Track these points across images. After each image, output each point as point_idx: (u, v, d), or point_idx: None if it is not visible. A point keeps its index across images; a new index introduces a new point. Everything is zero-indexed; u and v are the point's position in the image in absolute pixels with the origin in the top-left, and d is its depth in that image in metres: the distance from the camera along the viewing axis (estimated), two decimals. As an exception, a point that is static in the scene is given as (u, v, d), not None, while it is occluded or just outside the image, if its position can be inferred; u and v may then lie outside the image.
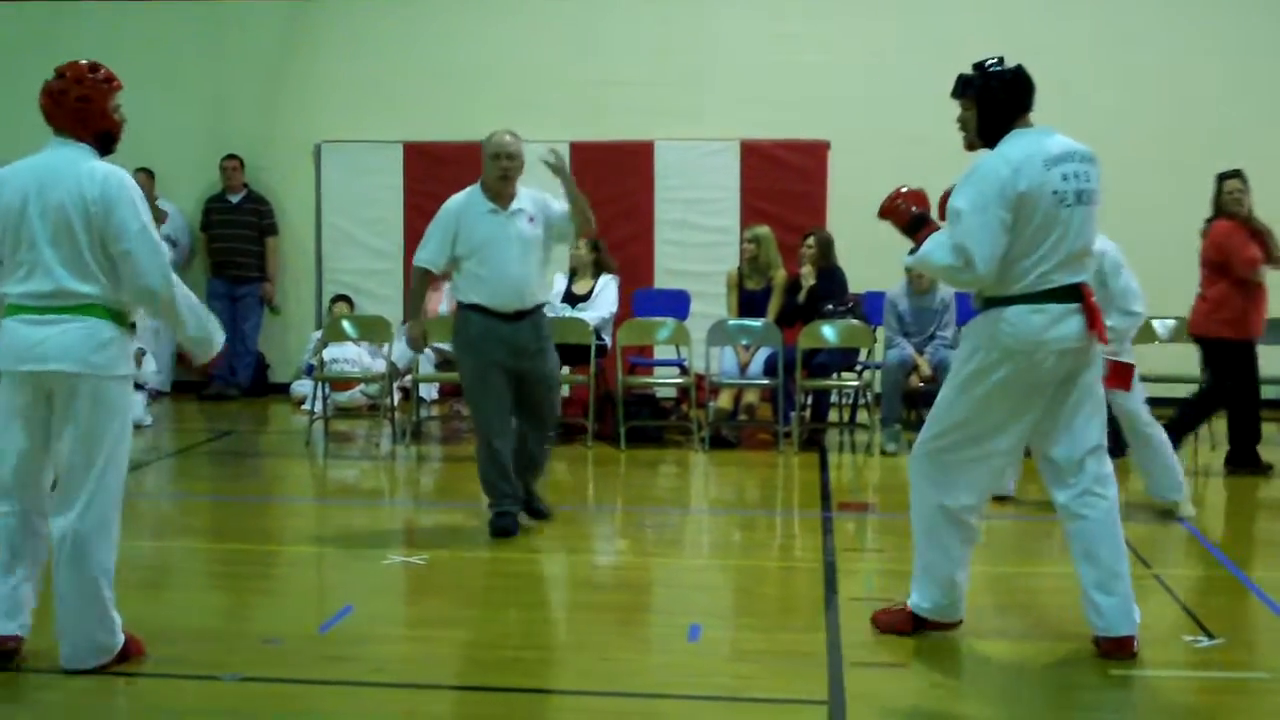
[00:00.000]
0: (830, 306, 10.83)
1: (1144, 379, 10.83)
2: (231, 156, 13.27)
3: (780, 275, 11.18)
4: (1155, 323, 11.36)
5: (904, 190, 5.80)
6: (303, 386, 12.58)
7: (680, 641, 5.84)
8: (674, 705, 5.17)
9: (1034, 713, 5.13)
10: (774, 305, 11.09)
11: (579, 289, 11.04)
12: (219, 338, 5.60)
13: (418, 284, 7.82)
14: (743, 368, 11.00)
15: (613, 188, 12.37)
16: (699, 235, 12.92)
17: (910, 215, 5.74)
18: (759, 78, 12.94)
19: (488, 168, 7.58)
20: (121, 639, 5.30)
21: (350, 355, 11.86)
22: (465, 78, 12.95)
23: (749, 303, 11.20)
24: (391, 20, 13.38)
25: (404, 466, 10.35)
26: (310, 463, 10.39)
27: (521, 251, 7.56)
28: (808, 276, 11.04)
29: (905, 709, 5.09)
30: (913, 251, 5.70)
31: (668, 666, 5.57)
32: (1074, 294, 5.46)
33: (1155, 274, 12.47)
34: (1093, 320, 5.43)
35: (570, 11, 13.23)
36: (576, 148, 12.26)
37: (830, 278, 11.08)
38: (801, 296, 11.00)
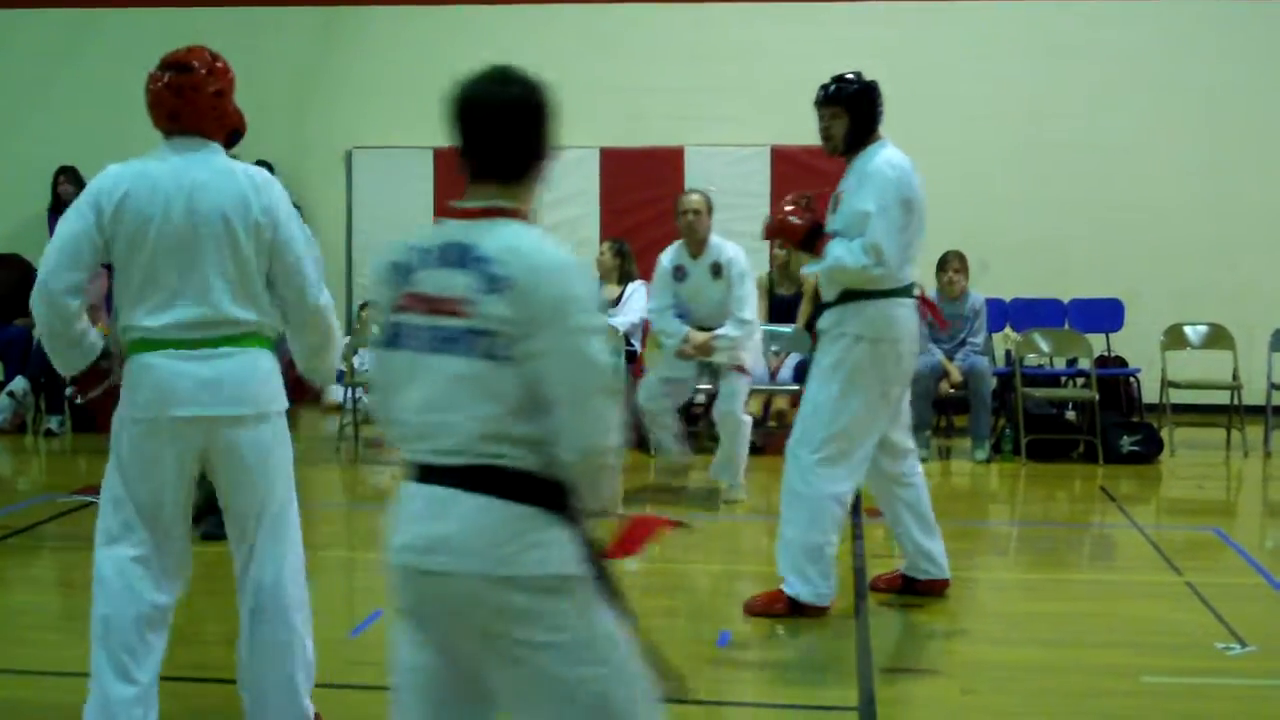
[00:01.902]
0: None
1: (1174, 385, 10.83)
2: (262, 162, 13.27)
3: (810, 281, 11.16)
4: (1187, 329, 11.33)
5: (789, 205, 6.06)
6: (333, 393, 12.62)
7: (710, 648, 5.84)
8: (704, 711, 5.16)
9: (1065, 720, 5.12)
10: (804, 311, 11.07)
11: (606, 295, 11.04)
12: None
13: None
14: (772, 373, 10.98)
15: (643, 194, 12.39)
16: (729, 240, 12.91)
17: (804, 229, 6.12)
18: (789, 84, 12.87)
19: None
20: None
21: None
22: (495, 84, 12.97)
23: (779, 308, 11.19)
24: (423, 26, 13.42)
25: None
26: (341, 467, 10.42)
27: None
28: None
29: (935, 715, 5.08)
30: (810, 259, 6.05)
31: (697, 672, 5.56)
32: (911, 291, 6.14)
33: (1185, 279, 12.52)
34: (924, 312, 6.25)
35: (601, 18, 13.25)
36: (607, 154, 12.29)
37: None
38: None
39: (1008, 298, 12.16)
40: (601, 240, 11.80)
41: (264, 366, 4.47)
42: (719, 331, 8.82)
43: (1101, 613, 5.85)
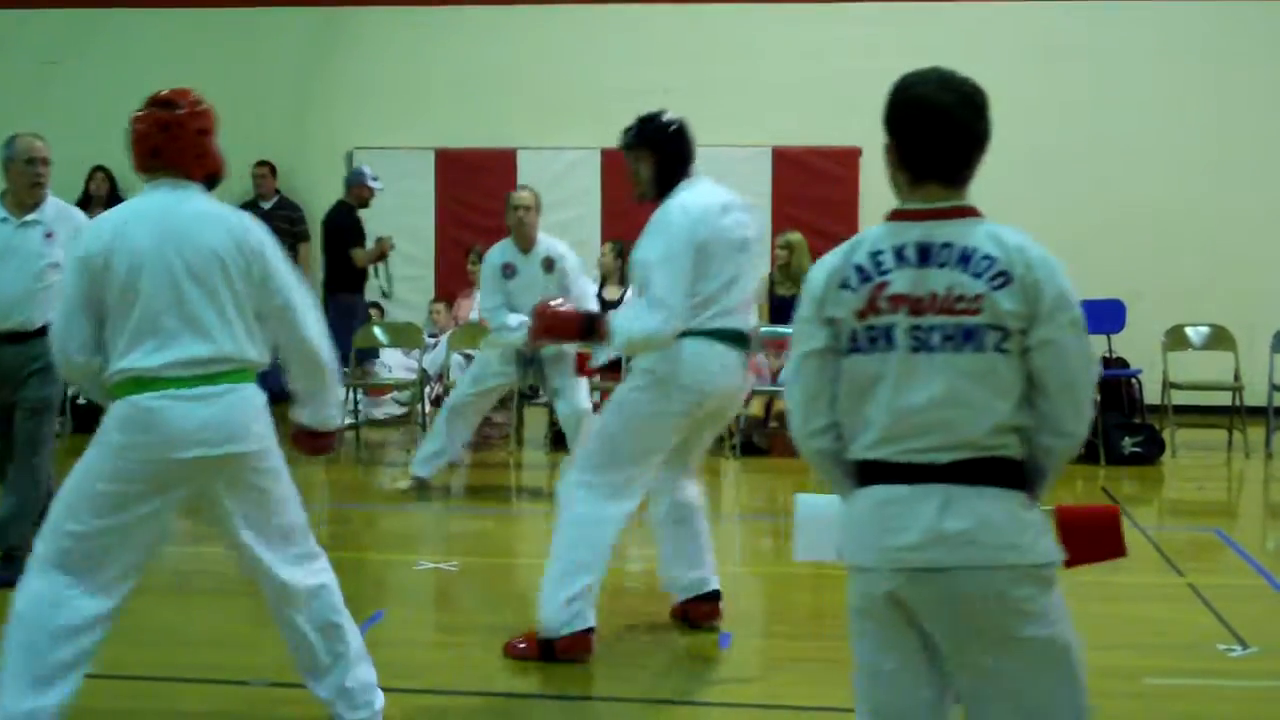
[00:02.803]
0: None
1: (1175, 386, 10.82)
2: (263, 163, 13.30)
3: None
4: (1188, 330, 11.32)
5: (550, 308, 5.73)
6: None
7: (711, 649, 5.84)
8: (705, 713, 5.17)
9: (1067, 722, 5.11)
10: (805, 312, 11.05)
11: (609, 295, 11.05)
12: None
13: None
14: (774, 375, 10.98)
15: (643, 194, 12.37)
16: (730, 242, 12.91)
17: (578, 320, 5.73)
18: (790, 84, 12.93)
19: (15, 174, 6.78)
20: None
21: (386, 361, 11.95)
22: (497, 85, 12.97)
23: (780, 309, 11.18)
24: (424, 27, 13.41)
25: (435, 472, 10.35)
26: (342, 468, 10.41)
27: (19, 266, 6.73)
28: None
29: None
30: (600, 345, 5.70)
31: (699, 674, 5.57)
32: (741, 339, 5.66)
33: (1187, 281, 12.51)
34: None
35: (601, 19, 13.24)
36: (608, 155, 12.25)
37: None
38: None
39: (1009, 299, 12.13)
40: (602, 241, 11.81)
41: (258, 401, 4.51)
42: None
43: (1103, 614, 5.84)
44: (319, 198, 13.46)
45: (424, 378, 11.40)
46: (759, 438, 10.91)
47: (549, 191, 10.06)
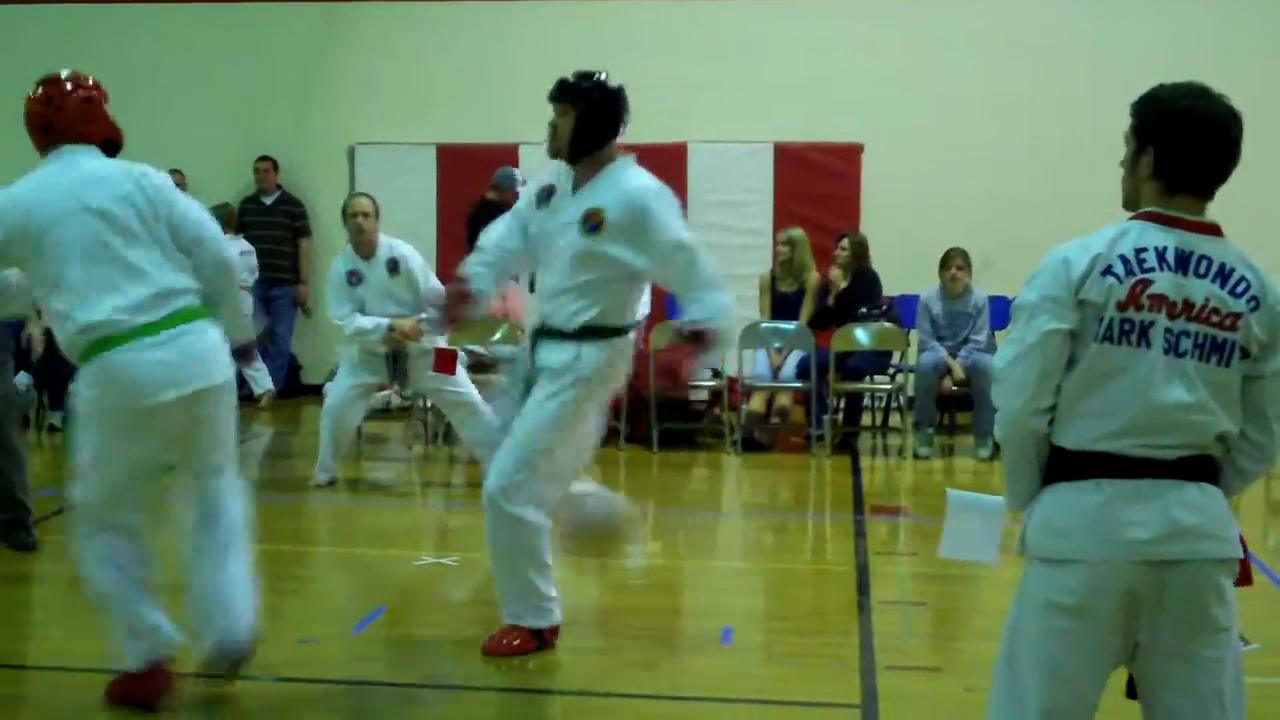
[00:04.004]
0: (863, 309, 10.82)
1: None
2: (265, 158, 13.31)
3: (813, 278, 11.17)
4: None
5: (670, 364, 5.42)
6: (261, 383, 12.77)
7: (713, 644, 5.84)
8: (706, 708, 5.17)
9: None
10: (807, 308, 11.07)
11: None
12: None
13: None
14: (775, 370, 10.99)
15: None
16: (732, 238, 12.88)
17: (692, 351, 5.37)
18: (792, 80, 12.92)
19: None
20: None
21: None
22: (499, 80, 12.96)
23: (782, 305, 11.19)
24: (426, 22, 13.40)
25: (435, 467, 10.37)
26: (342, 463, 10.41)
27: None
28: (838, 280, 11.03)
29: (938, 712, 5.08)
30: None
31: (700, 669, 5.57)
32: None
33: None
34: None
35: (603, 14, 13.22)
36: (609, 150, 12.24)
37: (864, 280, 11.07)
38: (831, 300, 10.99)
39: (1011, 295, 12.09)
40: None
41: (216, 338, 4.83)
42: (424, 315, 8.68)
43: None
44: (320, 193, 13.46)
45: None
46: (760, 434, 10.91)
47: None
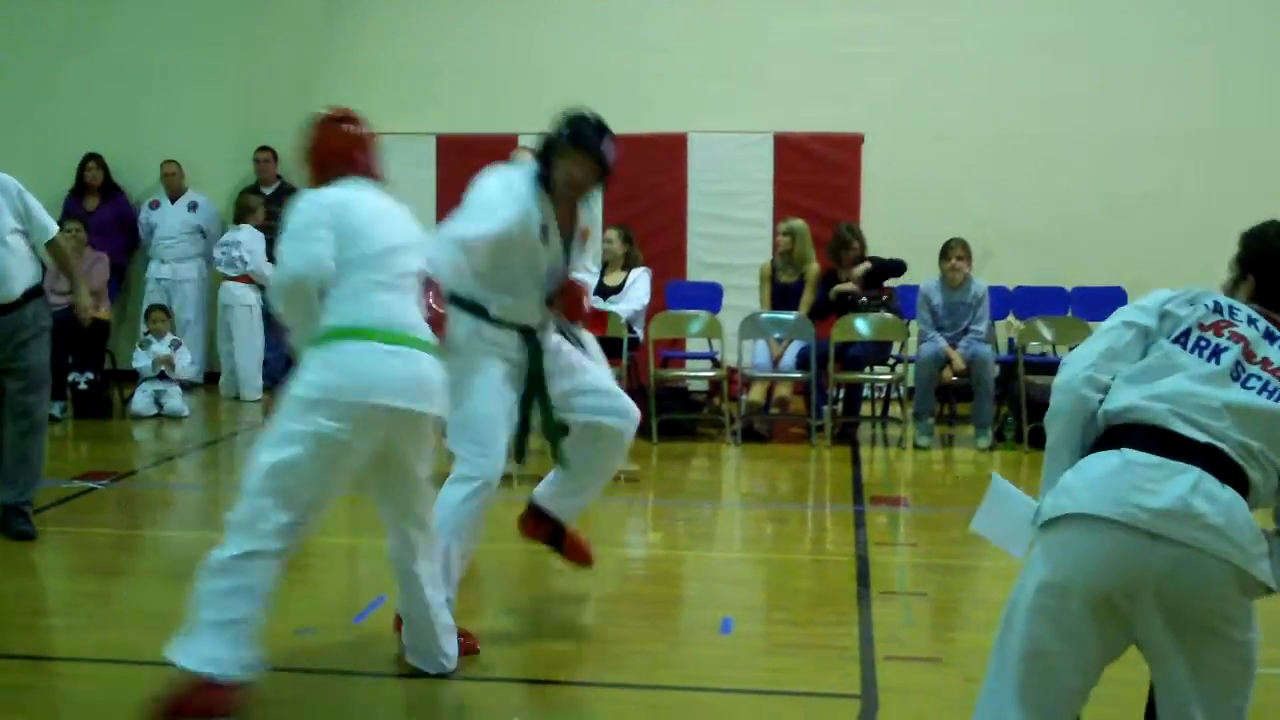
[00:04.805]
0: (863, 300, 10.82)
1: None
2: (265, 148, 13.29)
3: (813, 268, 11.16)
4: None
5: None
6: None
7: (712, 634, 5.85)
8: (706, 698, 5.17)
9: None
10: (806, 298, 11.07)
11: (610, 281, 11.02)
12: None
13: None
14: (775, 361, 10.99)
15: (646, 180, 12.36)
16: (732, 228, 12.90)
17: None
18: (793, 71, 12.91)
19: None
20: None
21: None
22: (498, 70, 12.95)
23: (782, 296, 11.19)
24: (426, 13, 13.39)
25: (437, 458, 10.34)
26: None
27: None
28: (856, 278, 10.97)
29: (937, 703, 5.08)
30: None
31: (700, 659, 5.57)
32: None
33: (1189, 268, 12.47)
34: None
35: (605, 5, 13.22)
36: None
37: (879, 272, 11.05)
38: (831, 294, 10.98)
39: (1011, 286, 12.13)
40: (605, 227, 11.79)
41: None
42: None
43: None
44: (321, 184, 13.42)
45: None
46: (760, 424, 10.91)
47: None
